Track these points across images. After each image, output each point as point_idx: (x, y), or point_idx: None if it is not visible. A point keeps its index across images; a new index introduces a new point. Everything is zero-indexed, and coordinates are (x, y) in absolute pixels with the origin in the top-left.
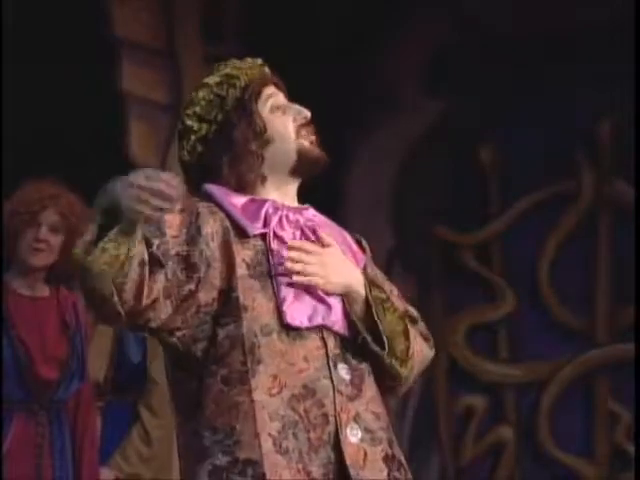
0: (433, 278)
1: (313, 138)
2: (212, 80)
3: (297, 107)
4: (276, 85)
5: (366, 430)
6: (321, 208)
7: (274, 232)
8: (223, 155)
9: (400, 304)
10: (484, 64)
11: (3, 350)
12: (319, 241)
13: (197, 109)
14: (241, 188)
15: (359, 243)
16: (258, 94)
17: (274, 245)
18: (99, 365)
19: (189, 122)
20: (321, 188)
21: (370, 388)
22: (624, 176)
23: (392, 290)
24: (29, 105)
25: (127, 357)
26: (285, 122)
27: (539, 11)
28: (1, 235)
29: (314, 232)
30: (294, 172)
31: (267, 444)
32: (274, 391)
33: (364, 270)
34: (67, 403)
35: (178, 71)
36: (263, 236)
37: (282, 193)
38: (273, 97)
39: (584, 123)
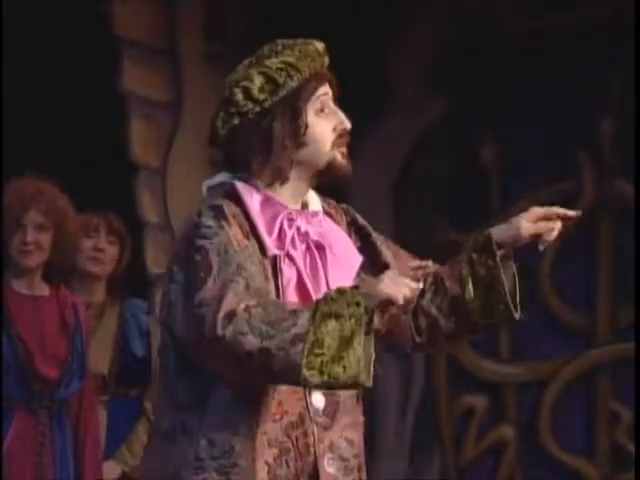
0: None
1: (345, 150)
2: (272, 63)
3: (341, 116)
4: (330, 81)
5: (341, 459)
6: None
7: (287, 252)
8: (256, 140)
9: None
10: (484, 64)
11: (3, 349)
12: (323, 261)
13: (248, 84)
14: (259, 178)
15: (354, 224)
16: (312, 93)
17: (284, 266)
18: (103, 359)
19: (236, 93)
20: (322, 188)
21: (347, 414)
22: (624, 176)
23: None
24: (29, 105)
25: (131, 351)
26: (325, 129)
27: (539, 11)
28: (1, 235)
29: (319, 249)
30: (316, 176)
31: (262, 472)
32: (277, 417)
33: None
34: (68, 402)
35: (178, 70)
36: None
37: (296, 192)
38: (324, 98)
39: (584, 123)
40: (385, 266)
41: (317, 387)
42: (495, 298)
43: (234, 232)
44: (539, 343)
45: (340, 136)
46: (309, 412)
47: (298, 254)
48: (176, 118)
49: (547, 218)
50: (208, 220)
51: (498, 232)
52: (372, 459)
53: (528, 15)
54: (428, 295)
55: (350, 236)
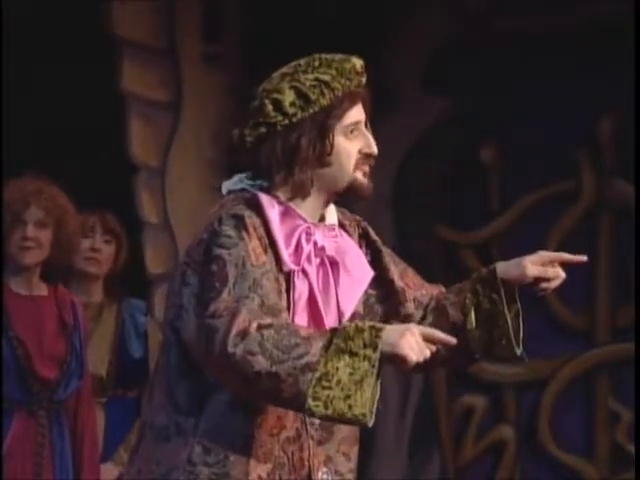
0: (433, 277)
1: (367, 170)
2: (307, 79)
3: (370, 139)
4: (363, 101)
5: (336, 473)
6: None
7: (302, 267)
8: (281, 153)
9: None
10: (484, 63)
11: (2, 351)
12: (335, 277)
13: (279, 97)
14: (280, 190)
15: (365, 237)
16: (344, 113)
17: (298, 281)
18: (101, 361)
19: (267, 104)
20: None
21: (344, 428)
22: (624, 176)
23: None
24: (29, 105)
25: (129, 353)
26: (351, 151)
27: (539, 10)
28: (1, 235)
29: (332, 265)
30: (336, 195)
31: None
32: (275, 431)
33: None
34: (67, 402)
35: (178, 71)
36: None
37: (317, 206)
38: (354, 120)
39: (584, 123)
40: (391, 283)
41: (319, 418)
42: (497, 333)
43: (253, 245)
44: (539, 343)
45: (365, 158)
46: (305, 425)
47: (312, 269)
48: (175, 118)
49: (554, 262)
50: (229, 230)
51: (504, 268)
52: (372, 459)
53: (528, 15)
54: (429, 318)
55: (361, 248)
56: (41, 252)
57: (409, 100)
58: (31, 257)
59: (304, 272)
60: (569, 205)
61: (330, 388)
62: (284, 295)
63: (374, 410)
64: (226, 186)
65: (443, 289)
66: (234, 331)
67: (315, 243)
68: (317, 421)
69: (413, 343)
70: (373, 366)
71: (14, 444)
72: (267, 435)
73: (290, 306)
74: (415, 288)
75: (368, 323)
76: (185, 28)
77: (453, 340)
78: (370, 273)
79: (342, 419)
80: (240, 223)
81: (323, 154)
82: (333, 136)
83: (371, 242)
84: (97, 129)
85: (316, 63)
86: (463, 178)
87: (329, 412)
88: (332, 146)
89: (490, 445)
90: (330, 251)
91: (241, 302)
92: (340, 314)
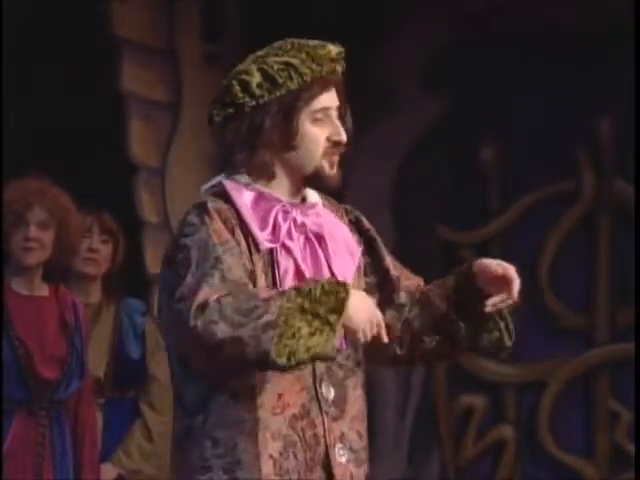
0: (433, 277)
1: (335, 160)
2: (275, 62)
3: (339, 127)
4: (337, 87)
5: (351, 450)
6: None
7: (282, 243)
8: (245, 134)
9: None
10: (484, 63)
11: (3, 351)
12: (324, 250)
13: (247, 78)
14: (248, 173)
15: (356, 224)
16: (312, 98)
17: (281, 258)
18: (99, 362)
19: (234, 85)
20: (322, 189)
21: (354, 405)
22: (624, 176)
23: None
24: (29, 105)
25: (127, 354)
26: (319, 137)
27: (539, 11)
28: (1, 235)
29: (319, 239)
30: (302, 181)
31: (267, 466)
32: (277, 410)
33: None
34: (67, 402)
35: (178, 71)
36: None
37: (291, 188)
38: (323, 105)
39: (584, 123)
40: (386, 271)
41: (282, 370)
42: (485, 324)
43: (215, 227)
44: (538, 343)
45: (333, 146)
46: (319, 402)
47: (295, 245)
48: (175, 118)
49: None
50: (192, 218)
51: (482, 266)
52: (371, 459)
53: (528, 15)
54: (415, 310)
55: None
56: (43, 253)
57: (409, 100)
58: (33, 258)
59: (286, 249)
60: (569, 205)
61: (291, 343)
62: (269, 275)
63: (334, 345)
64: (202, 188)
65: (422, 282)
66: (194, 306)
67: (294, 220)
68: (330, 397)
69: (367, 323)
70: (333, 330)
71: (14, 444)
72: (271, 415)
73: (277, 283)
74: (404, 278)
75: (334, 285)
76: (185, 28)
77: (385, 339)
78: (359, 247)
79: (306, 363)
80: (202, 210)
81: (288, 137)
82: (298, 120)
83: (365, 231)
84: (97, 129)
85: (288, 47)
86: (463, 178)
87: (292, 363)
88: (297, 129)
89: (490, 445)
90: (312, 226)
91: (202, 280)
92: None
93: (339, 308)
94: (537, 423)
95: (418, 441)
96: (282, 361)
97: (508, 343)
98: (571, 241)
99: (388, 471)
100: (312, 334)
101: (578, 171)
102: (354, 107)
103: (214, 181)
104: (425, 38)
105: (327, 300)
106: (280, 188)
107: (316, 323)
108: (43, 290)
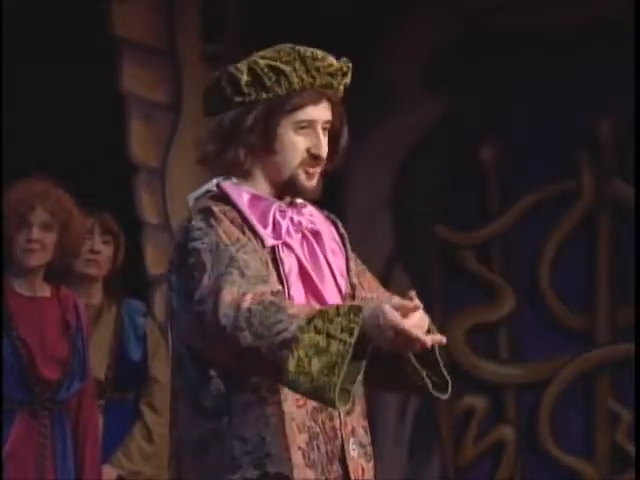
0: (433, 278)
1: (313, 172)
2: (266, 64)
3: (320, 140)
4: (332, 102)
5: (361, 445)
6: (321, 208)
7: (284, 241)
8: (227, 127)
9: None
10: (484, 63)
11: (4, 351)
12: (321, 247)
13: (237, 75)
14: (211, 163)
15: (335, 228)
16: (299, 107)
17: (284, 256)
18: (100, 363)
19: (224, 78)
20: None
21: (359, 401)
22: (624, 176)
23: (376, 284)
24: (29, 105)
25: (127, 355)
26: (297, 145)
27: (539, 11)
28: (1, 235)
29: (315, 237)
30: (281, 189)
31: (297, 457)
32: (300, 402)
33: (347, 263)
34: (69, 403)
35: (178, 71)
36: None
37: (269, 193)
38: (310, 117)
39: (584, 123)
40: (352, 286)
41: (300, 394)
42: (407, 368)
43: (224, 228)
44: (538, 344)
45: (311, 158)
46: None
47: (295, 243)
48: (175, 118)
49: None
50: (198, 223)
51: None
52: None
53: (528, 15)
54: None
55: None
56: (45, 254)
57: (409, 100)
58: (35, 259)
59: (288, 246)
60: (569, 205)
61: (304, 370)
62: (273, 272)
63: (352, 389)
64: (191, 197)
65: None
66: (222, 306)
67: (292, 219)
68: None
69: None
70: (347, 350)
71: (16, 444)
72: (294, 407)
73: (283, 280)
74: (368, 290)
75: (347, 306)
76: (185, 28)
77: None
78: (343, 249)
79: (313, 399)
80: (208, 214)
81: (266, 140)
82: (279, 125)
83: (340, 234)
84: (96, 129)
85: (287, 52)
86: (463, 178)
87: (306, 388)
88: (276, 134)
89: (490, 445)
90: (308, 225)
91: (221, 279)
92: (336, 281)
93: (349, 328)
94: (537, 424)
95: (418, 441)
96: (297, 383)
97: (443, 396)
98: (571, 241)
99: (388, 471)
100: (325, 355)
101: (578, 171)
102: (354, 107)
103: (202, 189)
104: (425, 38)
105: (337, 319)
106: (262, 192)
107: (330, 344)
108: (45, 291)
